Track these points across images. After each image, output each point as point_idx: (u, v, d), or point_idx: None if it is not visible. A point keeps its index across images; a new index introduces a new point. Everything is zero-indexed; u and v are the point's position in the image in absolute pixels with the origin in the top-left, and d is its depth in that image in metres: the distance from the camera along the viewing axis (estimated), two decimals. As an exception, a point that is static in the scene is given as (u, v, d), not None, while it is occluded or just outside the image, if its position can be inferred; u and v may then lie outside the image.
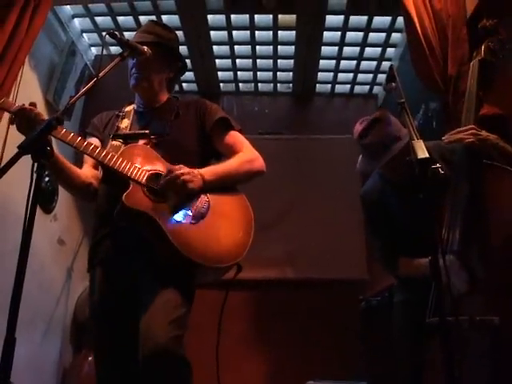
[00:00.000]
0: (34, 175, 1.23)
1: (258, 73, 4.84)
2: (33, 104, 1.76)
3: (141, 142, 1.98)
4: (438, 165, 1.25)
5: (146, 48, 1.83)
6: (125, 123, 2.08)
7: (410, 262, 2.09)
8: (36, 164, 1.23)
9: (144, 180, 1.84)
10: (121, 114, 2.13)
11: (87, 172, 2.05)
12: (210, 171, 1.91)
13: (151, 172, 1.87)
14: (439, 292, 1.29)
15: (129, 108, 2.15)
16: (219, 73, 4.82)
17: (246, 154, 2.03)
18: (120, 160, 1.84)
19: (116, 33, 1.68)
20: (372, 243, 2.34)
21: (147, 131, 2.00)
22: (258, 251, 4.08)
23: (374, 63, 4.66)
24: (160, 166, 1.90)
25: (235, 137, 2.09)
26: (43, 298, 3.54)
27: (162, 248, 1.75)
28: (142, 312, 1.71)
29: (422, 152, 1.28)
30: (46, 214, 3.61)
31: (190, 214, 1.82)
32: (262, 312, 4.28)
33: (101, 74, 1.53)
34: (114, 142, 1.97)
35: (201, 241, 1.78)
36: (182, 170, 1.82)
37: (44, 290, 3.53)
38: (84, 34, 4.29)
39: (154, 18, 4.00)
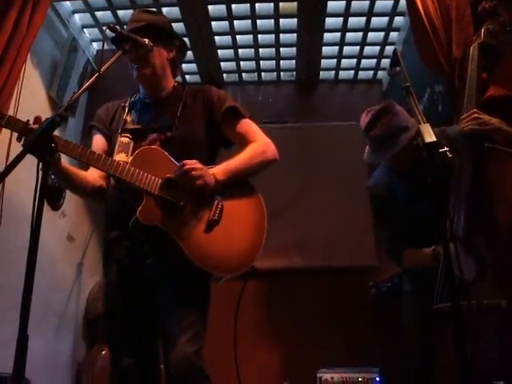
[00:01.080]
0: (40, 173, 1.23)
1: (261, 62, 4.81)
2: (38, 118, 1.71)
3: (150, 136, 1.95)
4: (445, 148, 1.24)
5: (146, 40, 1.82)
6: (131, 116, 2.04)
7: (414, 254, 2.09)
8: (41, 162, 1.23)
9: (157, 190, 1.80)
10: (126, 105, 2.08)
11: (95, 173, 1.98)
12: (222, 170, 1.87)
13: (164, 179, 1.82)
14: (448, 278, 1.28)
15: (134, 99, 2.11)
16: (222, 63, 4.80)
17: (257, 145, 1.98)
18: (132, 170, 1.80)
19: (116, 27, 1.68)
20: (379, 234, 2.34)
21: (156, 126, 1.96)
22: (266, 241, 4.17)
23: (378, 48, 4.62)
24: (172, 170, 1.84)
25: (247, 125, 2.03)
26: (55, 295, 3.57)
27: (178, 259, 1.77)
28: (162, 325, 1.80)
29: (430, 136, 1.26)
30: (54, 211, 3.63)
31: (204, 223, 1.81)
32: (271, 302, 4.30)
33: (102, 69, 1.53)
34: (123, 139, 1.94)
35: (214, 250, 1.79)
36: (192, 165, 1.79)
37: (55, 287, 3.56)
38: (85, 30, 4.28)
39: (154, 10, 3.98)
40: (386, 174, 2.29)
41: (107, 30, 1.64)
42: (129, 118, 2.03)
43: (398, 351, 2.57)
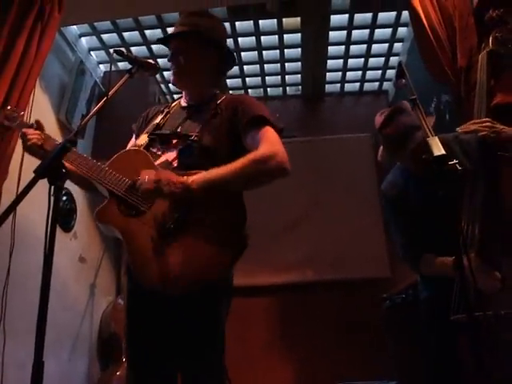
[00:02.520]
0: (52, 198, 1.24)
1: (267, 77, 4.86)
2: (39, 122, 1.72)
3: (172, 142, 1.86)
4: (454, 161, 1.24)
5: (153, 62, 1.80)
6: (164, 120, 1.99)
7: (434, 261, 2.06)
8: (52, 187, 1.24)
9: (122, 191, 1.73)
10: (166, 109, 2.04)
11: None
12: (201, 178, 1.65)
13: (134, 181, 1.71)
14: (465, 289, 1.27)
15: (175, 103, 2.07)
16: (227, 80, 4.85)
17: (256, 153, 1.69)
18: (104, 170, 1.77)
19: (123, 50, 1.69)
20: (393, 240, 2.31)
21: (178, 130, 1.89)
22: (277, 256, 4.19)
23: (382, 59, 4.65)
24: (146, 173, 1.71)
25: (260, 134, 1.77)
26: (68, 317, 3.57)
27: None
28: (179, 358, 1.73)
29: (438, 149, 1.26)
30: (66, 233, 3.65)
31: (158, 230, 1.67)
32: (285, 317, 4.28)
33: (110, 93, 1.54)
34: (139, 141, 1.94)
35: (159, 263, 1.63)
36: (151, 176, 1.64)
37: (68, 309, 3.57)
38: (92, 52, 4.34)
39: (159, 31, 4.05)
40: (399, 177, 2.28)
41: (114, 54, 1.65)
42: (161, 122, 1.98)
43: (413, 363, 2.55)
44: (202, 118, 1.89)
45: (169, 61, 1.95)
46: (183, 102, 2.04)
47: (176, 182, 1.62)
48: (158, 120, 1.99)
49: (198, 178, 1.65)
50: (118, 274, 4.37)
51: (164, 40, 1.99)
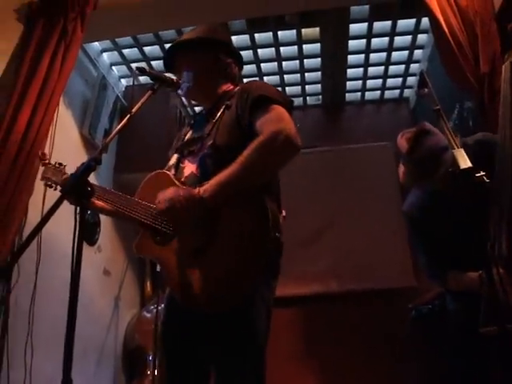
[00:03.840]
0: (77, 217, 1.26)
1: (287, 88, 4.86)
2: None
3: (195, 149, 1.83)
4: (481, 173, 1.21)
5: (175, 79, 1.82)
6: (187, 133, 2.00)
7: (460, 277, 2.04)
8: (78, 206, 1.26)
9: (150, 219, 1.72)
10: (191, 123, 2.06)
11: None
12: (210, 185, 1.58)
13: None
14: (494, 303, 1.25)
15: (198, 113, 2.09)
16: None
17: (261, 136, 1.58)
18: (132, 201, 1.78)
19: (145, 68, 1.70)
20: (418, 259, 2.29)
21: (194, 135, 1.89)
22: (301, 267, 4.17)
23: (403, 67, 4.62)
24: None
25: (264, 116, 1.65)
26: (93, 329, 3.61)
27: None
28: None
29: (464, 162, 1.24)
30: (90, 246, 3.69)
31: (189, 251, 1.63)
32: (309, 328, 4.24)
33: (134, 110, 1.55)
34: (171, 160, 1.94)
35: (193, 281, 1.59)
36: (164, 198, 1.60)
37: (94, 321, 3.60)
38: (113, 67, 4.41)
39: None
40: (422, 198, 2.26)
41: (136, 71, 1.67)
42: (188, 135, 1.98)
43: (441, 376, 2.50)
44: (214, 116, 1.83)
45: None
46: (203, 110, 2.05)
47: (186, 195, 1.57)
48: (187, 134, 2.00)
49: (208, 185, 1.58)
50: (142, 286, 4.39)
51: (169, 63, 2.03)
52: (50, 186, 2.12)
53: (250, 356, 1.62)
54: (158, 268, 1.86)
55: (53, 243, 2.98)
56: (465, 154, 1.27)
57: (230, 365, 1.62)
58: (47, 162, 2.13)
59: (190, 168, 1.82)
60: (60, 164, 2.09)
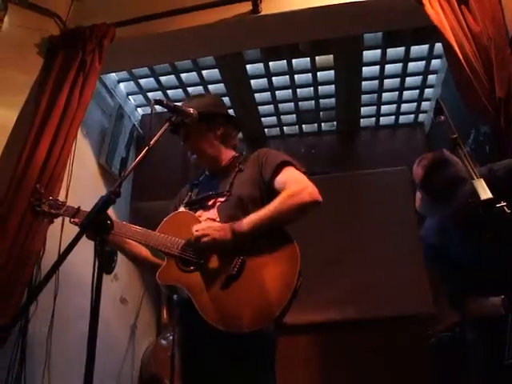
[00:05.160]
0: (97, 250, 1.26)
1: (301, 115, 4.89)
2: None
3: (208, 204, 2.02)
4: (502, 203, 1.19)
5: (191, 110, 1.87)
6: (195, 191, 2.16)
7: (481, 303, 1.99)
8: (97, 240, 1.27)
9: (178, 250, 1.86)
10: (194, 183, 2.22)
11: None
12: (244, 222, 1.81)
13: (187, 240, 1.87)
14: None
15: (201, 177, 2.25)
16: (263, 119, 4.93)
17: (289, 190, 1.86)
18: (157, 236, 1.91)
19: (162, 100, 1.73)
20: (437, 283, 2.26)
21: (211, 192, 2.04)
22: (317, 293, 4.11)
23: (417, 92, 4.63)
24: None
25: (285, 175, 1.95)
26: (110, 358, 3.59)
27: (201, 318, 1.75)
28: None
29: (484, 192, 1.22)
30: (107, 275, 3.69)
31: (222, 279, 1.77)
32: (324, 355, 4.19)
33: (152, 142, 1.58)
34: (180, 210, 2.09)
35: (227, 307, 1.73)
36: (200, 227, 1.81)
37: (110, 350, 3.59)
38: (130, 97, 4.49)
39: (194, 74, 4.16)
40: (438, 222, 2.23)
41: (154, 106, 1.71)
42: (193, 193, 2.15)
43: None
44: (230, 176, 2.06)
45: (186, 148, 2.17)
46: (207, 173, 2.23)
47: (223, 227, 1.80)
48: (191, 193, 2.17)
49: (241, 221, 1.81)
50: (159, 314, 4.37)
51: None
52: (51, 221, 2.28)
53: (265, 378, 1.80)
54: (175, 297, 1.94)
55: (70, 272, 2.98)
56: (485, 185, 1.25)
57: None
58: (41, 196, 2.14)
59: (206, 215, 2.00)
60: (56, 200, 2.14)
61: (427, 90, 4.59)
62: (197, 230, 1.79)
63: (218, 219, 1.93)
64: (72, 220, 2.00)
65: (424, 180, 1.98)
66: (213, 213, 1.97)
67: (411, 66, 4.25)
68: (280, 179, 1.94)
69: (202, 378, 1.88)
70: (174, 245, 1.88)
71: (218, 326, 1.69)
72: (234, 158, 2.17)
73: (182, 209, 2.08)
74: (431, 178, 1.95)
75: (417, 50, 4.08)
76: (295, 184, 1.88)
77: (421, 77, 4.41)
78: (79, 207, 2.02)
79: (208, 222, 1.89)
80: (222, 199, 1.99)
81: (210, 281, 1.79)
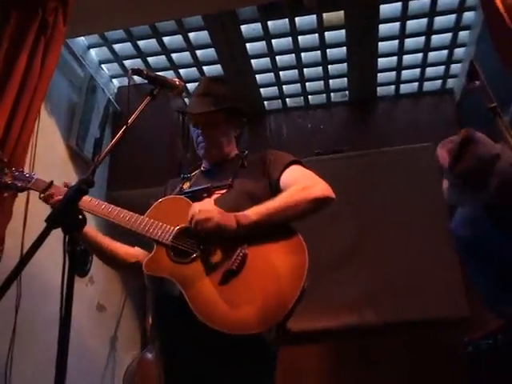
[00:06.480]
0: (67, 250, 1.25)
1: (307, 83, 4.87)
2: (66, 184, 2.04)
3: (205, 197, 2.07)
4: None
5: (177, 81, 1.87)
6: (188, 184, 2.26)
7: None
8: (67, 236, 1.25)
9: (170, 239, 1.91)
10: (187, 176, 2.32)
11: (129, 248, 2.17)
12: (249, 212, 1.89)
13: (181, 227, 1.93)
14: None
15: (196, 172, 2.35)
16: (261, 89, 4.90)
17: (300, 183, 2.00)
18: (146, 220, 1.96)
19: (141, 69, 1.73)
20: (473, 283, 2.26)
21: (209, 185, 2.10)
22: (329, 294, 4.14)
23: (445, 52, 4.59)
24: None
25: (294, 172, 2.10)
26: (85, 377, 3.58)
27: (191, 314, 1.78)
28: None
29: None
30: (81, 278, 3.68)
31: (220, 273, 1.82)
32: (341, 366, 4.22)
33: (130, 121, 1.57)
34: None
35: (226, 305, 1.77)
36: (202, 209, 1.85)
37: (86, 365, 3.60)
38: (103, 66, 4.45)
39: (179, 37, 4.11)
40: (472, 212, 2.22)
41: (132, 76, 1.71)
42: (185, 186, 2.25)
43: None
44: (230, 170, 2.19)
45: (198, 135, 2.27)
46: (204, 167, 2.35)
47: (225, 213, 1.85)
48: (184, 185, 2.27)
49: (247, 211, 1.89)
50: (143, 323, 4.38)
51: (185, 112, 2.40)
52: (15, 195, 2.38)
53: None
54: (158, 293, 2.03)
55: (35, 275, 2.95)
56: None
57: None
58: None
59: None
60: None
61: (457, 50, 4.54)
62: (199, 211, 1.83)
63: None
64: (42, 195, 2.04)
65: (452, 164, 1.98)
66: (208, 204, 1.98)
67: (438, 20, 4.19)
68: (288, 176, 2.07)
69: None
70: (165, 232, 1.92)
71: (214, 326, 1.72)
72: (236, 155, 2.31)
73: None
74: (461, 160, 1.95)
75: (444, 0, 4.02)
76: (306, 180, 2.03)
77: (450, 34, 4.35)
78: (52, 181, 2.05)
79: (207, 204, 1.94)
80: (222, 191, 2.08)
81: (207, 275, 1.83)
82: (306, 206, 1.92)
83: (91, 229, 2.13)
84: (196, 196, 2.07)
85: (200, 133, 2.24)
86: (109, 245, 2.14)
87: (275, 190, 2.05)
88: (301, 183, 1.99)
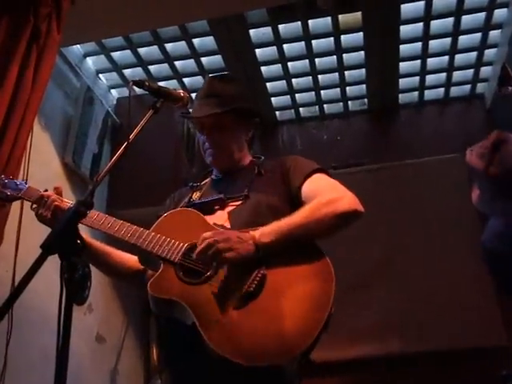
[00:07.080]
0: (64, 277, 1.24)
1: (322, 91, 4.89)
2: (58, 190, 2.03)
3: (217, 209, 2.07)
4: None
5: (181, 92, 1.88)
6: (198, 194, 2.21)
7: None
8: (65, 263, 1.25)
9: (179, 256, 1.87)
10: (196, 185, 2.29)
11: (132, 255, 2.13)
12: (267, 231, 1.84)
13: (191, 244, 1.88)
14: None
15: (206, 180, 2.32)
16: (273, 98, 4.93)
17: (323, 196, 1.94)
18: (151, 235, 1.93)
19: (143, 80, 1.74)
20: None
21: (221, 195, 2.08)
22: (349, 320, 4.10)
23: (474, 54, 4.58)
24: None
25: (318, 181, 2.06)
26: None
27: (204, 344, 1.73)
28: None
29: None
30: (78, 306, 3.67)
31: (237, 296, 1.77)
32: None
33: (132, 136, 1.57)
34: None
35: (243, 332, 1.72)
36: (218, 236, 1.79)
37: (85, 403, 3.58)
38: (100, 75, 4.49)
39: (183, 43, 4.14)
40: (504, 224, 2.20)
41: (133, 87, 1.71)
42: (194, 196, 2.21)
43: None
44: (246, 178, 2.15)
45: (205, 141, 2.23)
46: (215, 176, 2.31)
47: (238, 238, 1.79)
48: (194, 195, 2.22)
49: (264, 229, 1.84)
50: (147, 354, 4.36)
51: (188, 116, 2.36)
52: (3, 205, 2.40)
53: None
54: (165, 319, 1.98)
55: (29, 303, 2.95)
56: None
57: None
58: None
59: (212, 220, 2.01)
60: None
61: (488, 52, 4.52)
62: (216, 240, 1.77)
63: (228, 226, 1.96)
64: (34, 206, 2.05)
65: (486, 168, 1.97)
66: (221, 217, 2.00)
67: (466, 19, 4.19)
68: (311, 186, 2.03)
69: None
70: (173, 249, 1.89)
71: (229, 356, 1.66)
72: (251, 161, 2.29)
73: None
74: (495, 164, 1.94)
75: (474, -1, 4.02)
76: (331, 191, 1.98)
77: (479, 34, 4.35)
78: (46, 190, 2.06)
79: (220, 231, 1.87)
80: (237, 203, 2.05)
81: (221, 298, 1.78)
82: (331, 221, 1.88)
83: (86, 235, 2.06)
84: (207, 208, 2.06)
85: (206, 138, 2.22)
86: (111, 252, 2.12)
87: (296, 199, 2.02)
88: (325, 195, 1.94)
